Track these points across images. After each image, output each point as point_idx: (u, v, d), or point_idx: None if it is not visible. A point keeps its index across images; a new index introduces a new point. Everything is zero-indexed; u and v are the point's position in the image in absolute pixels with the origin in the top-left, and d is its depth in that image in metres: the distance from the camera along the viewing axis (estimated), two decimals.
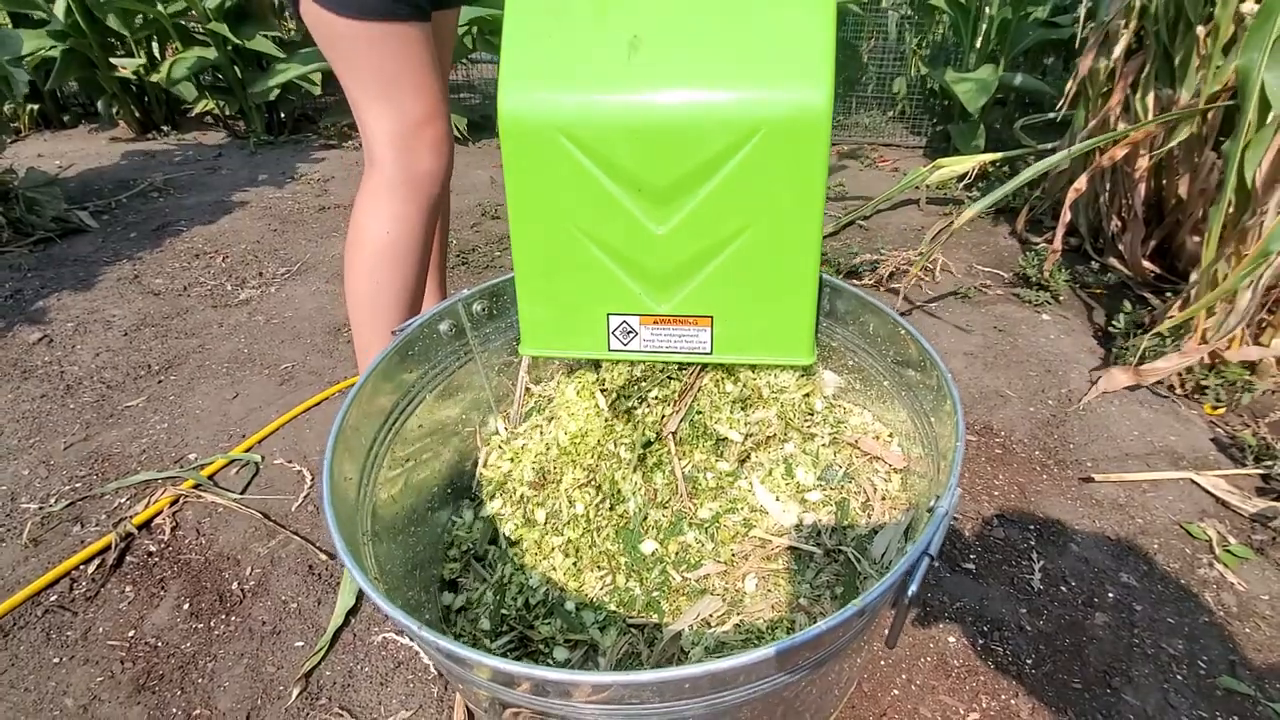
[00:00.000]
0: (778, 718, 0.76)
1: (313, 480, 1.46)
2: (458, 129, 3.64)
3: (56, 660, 1.13)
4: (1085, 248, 2.26)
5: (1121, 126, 1.96)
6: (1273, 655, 1.08)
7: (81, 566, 1.28)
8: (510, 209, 0.90)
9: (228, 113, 3.96)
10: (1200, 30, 1.72)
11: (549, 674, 0.58)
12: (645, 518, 0.98)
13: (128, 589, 1.24)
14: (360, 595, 1.20)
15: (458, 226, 2.67)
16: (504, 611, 0.94)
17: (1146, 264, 2.02)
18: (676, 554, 0.96)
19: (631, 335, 0.95)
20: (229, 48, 3.51)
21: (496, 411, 1.15)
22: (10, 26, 3.42)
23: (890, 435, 1.04)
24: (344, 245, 1.20)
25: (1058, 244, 1.98)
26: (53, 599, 1.22)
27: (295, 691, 1.06)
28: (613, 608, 0.93)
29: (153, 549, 1.32)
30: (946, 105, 3.46)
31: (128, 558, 1.30)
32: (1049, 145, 2.32)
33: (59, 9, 3.25)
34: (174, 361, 1.88)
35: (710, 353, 0.96)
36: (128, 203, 2.96)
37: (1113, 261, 2.14)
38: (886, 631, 0.70)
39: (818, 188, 0.84)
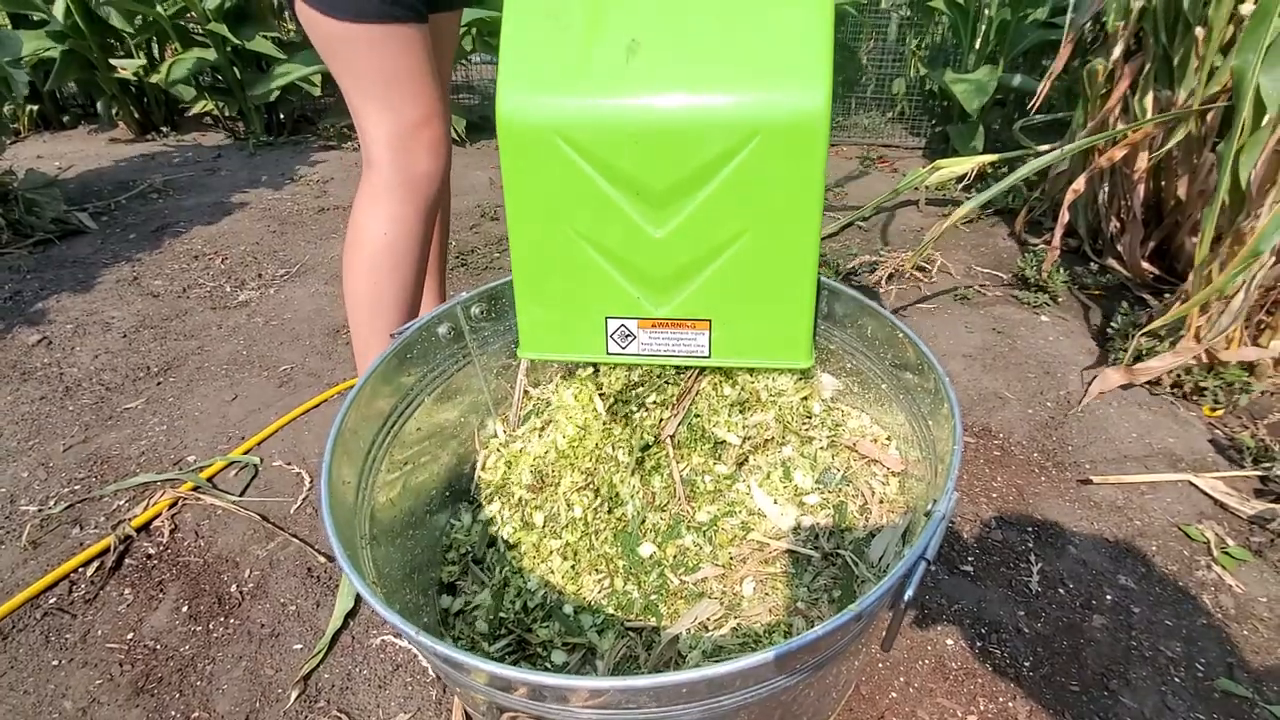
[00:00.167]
0: None
1: (312, 482, 1.46)
2: (456, 130, 3.64)
3: (55, 663, 1.13)
4: (1084, 249, 2.26)
5: (1120, 128, 1.96)
6: (1271, 658, 1.08)
7: (80, 569, 1.28)
8: (508, 212, 0.90)
9: (227, 114, 3.96)
10: (1199, 31, 1.72)
11: (545, 679, 0.58)
12: (643, 521, 0.98)
13: (126, 591, 1.24)
14: (359, 598, 1.20)
15: (457, 228, 2.67)
16: (502, 614, 0.94)
17: (1145, 265, 2.02)
18: (674, 557, 0.96)
19: (630, 339, 0.95)
20: (228, 49, 3.51)
21: (495, 414, 1.15)
22: (10, 27, 3.42)
23: (888, 438, 1.04)
24: (343, 246, 1.20)
25: (1056, 245, 1.98)
26: (52, 601, 1.22)
27: (294, 694, 1.06)
28: (611, 611, 0.93)
29: (151, 551, 1.32)
30: (946, 106, 3.46)
31: (126, 560, 1.30)
32: (1047, 146, 2.32)
33: (58, 10, 3.25)
34: (173, 363, 1.88)
35: (708, 356, 0.96)
36: (127, 204, 2.96)
37: (1112, 263, 2.14)
38: (884, 634, 0.70)
39: (816, 191, 0.84)
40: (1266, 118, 1.44)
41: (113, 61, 3.59)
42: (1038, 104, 2.13)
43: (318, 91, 3.62)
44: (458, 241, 2.56)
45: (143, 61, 3.61)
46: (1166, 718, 1.01)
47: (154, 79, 3.54)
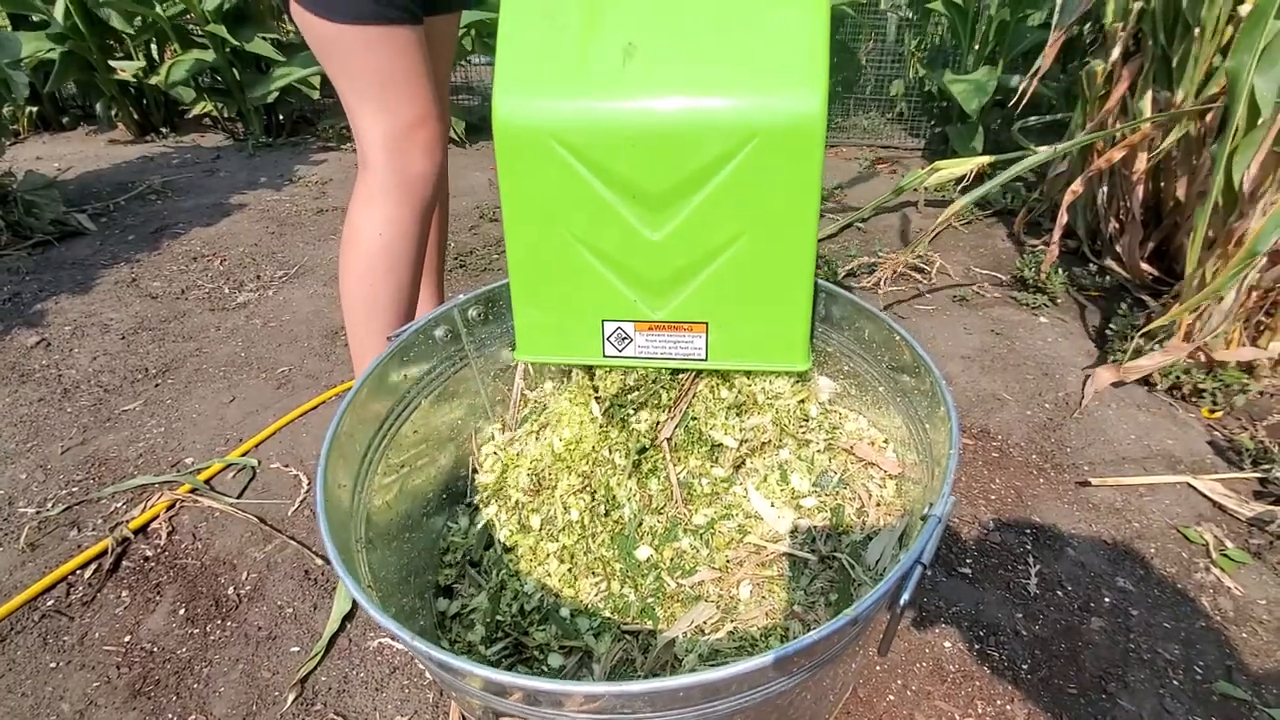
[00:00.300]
0: None
1: (309, 485, 1.46)
2: (456, 131, 3.64)
3: (53, 665, 1.13)
4: (1083, 250, 2.26)
5: (1118, 126, 1.96)
6: (1270, 660, 1.08)
7: (78, 571, 1.28)
8: (505, 215, 0.90)
9: (226, 115, 3.96)
10: (1198, 32, 1.72)
11: (540, 684, 0.58)
12: (640, 524, 0.98)
13: (124, 594, 1.24)
14: (356, 601, 1.20)
15: (455, 229, 2.67)
16: (499, 618, 0.94)
17: (1144, 266, 2.02)
18: (671, 560, 0.96)
19: (627, 341, 0.95)
20: (227, 50, 3.51)
21: (492, 417, 1.15)
22: (9, 29, 3.42)
23: (885, 441, 1.04)
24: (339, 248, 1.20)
25: (1055, 246, 1.98)
26: (49, 604, 1.22)
27: (291, 697, 1.06)
28: (607, 614, 0.93)
29: (149, 554, 1.32)
30: (945, 107, 3.46)
31: (124, 562, 1.30)
32: (1046, 147, 2.32)
33: (58, 11, 3.25)
34: (171, 365, 1.88)
35: (705, 359, 0.96)
36: (126, 205, 2.96)
37: (1110, 264, 2.14)
38: (881, 637, 0.70)
39: (812, 193, 0.84)
40: (1261, 119, 1.44)
41: (112, 63, 3.59)
42: (1023, 103, 2.13)
43: (317, 93, 3.62)
44: (456, 243, 2.56)
45: (142, 63, 3.62)
46: None
47: (153, 80, 3.54)
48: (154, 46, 3.75)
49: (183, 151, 3.69)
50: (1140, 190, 1.98)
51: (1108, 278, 2.11)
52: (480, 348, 1.09)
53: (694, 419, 1.01)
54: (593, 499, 0.99)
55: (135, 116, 3.87)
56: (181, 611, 1.21)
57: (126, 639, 1.16)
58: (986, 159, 2.00)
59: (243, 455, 1.54)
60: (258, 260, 2.48)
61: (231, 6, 3.39)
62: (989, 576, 1.23)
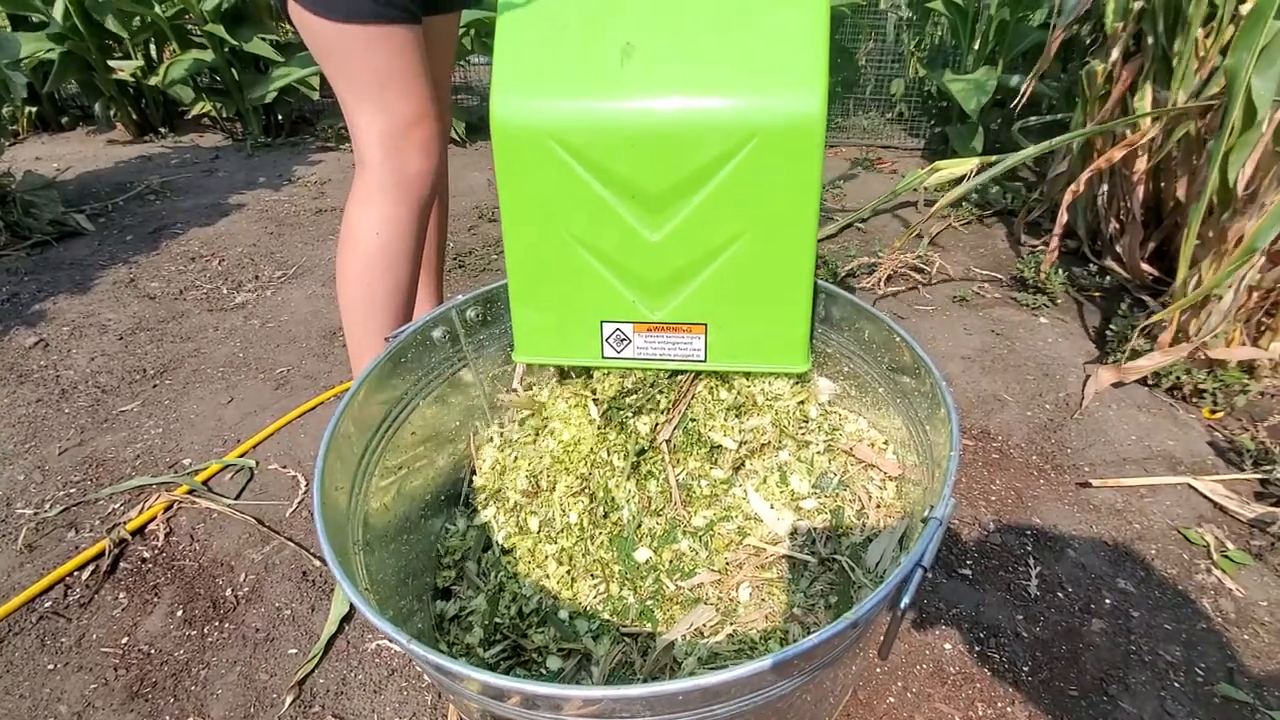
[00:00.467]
0: None
1: (307, 486, 1.46)
2: (455, 131, 3.63)
3: (51, 667, 1.12)
4: (1083, 250, 2.25)
5: (1116, 121, 1.95)
6: (1271, 662, 1.08)
7: (76, 573, 1.27)
8: (503, 216, 0.90)
9: (225, 115, 3.96)
10: (1199, 32, 1.71)
11: (538, 688, 0.57)
12: (639, 525, 0.98)
13: (121, 595, 1.24)
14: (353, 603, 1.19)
15: (454, 229, 2.67)
16: (497, 620, 0.94)
17: (1145, 266, 2.01)
18: (670, 562, 0.95)
19: (625, 343, 0.95)
20: (226, 50, 3.51)
21: (490, 419, 1.15)
22: (9, 29, 3.42)
23: (885, 442, 1.04)
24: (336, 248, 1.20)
25: (1055, 246, 1.98)
26: (47, 605, 1.22)
27: (288, 699, 1.06)
28: (606, 616, 0.92)
29: (146, 555, 1.31)
30: (945, 107, 3.46)
31: (122, 564, 1.30)
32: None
33: (57, 11, 3.25)
34: (169, 366, 1.88)
35: (704, 360, 0.95)
36: (124, 205, 2.95)
37: (1111, 264, 2.13)
38: (881, 639, 0.70)
39: (812, 193, 0.83)
40: (1257, 118, 1.44)
41: (111, 63, 3.58)
42: (1022, 103, 2.13)
43: (316, 94, 3.62)
44: (455, 243, 2.55)
45: (141, 63, 3.61)
46: None
47: (152, 80, 3.54)
48: (153, 47, 3.75)
49: (181, 152, 3.68)
50: (1141, 190, 1.97)
51: (1108, 278, 2.10)
52: (479, 349, 1.09)
53: (693, 420, 1.00)
54: (591, 501, 0.98)
55: (134, 117, 3.86)
56: (179, 613, 1.20)
57: (124, 641, 1.16)
58: (986, 159, 2.00)
59: (240, 456, 1.53)
60: (256, 260, 2.47)
61: (230, 6, 3.39)
62: (989, 578, 1.23)
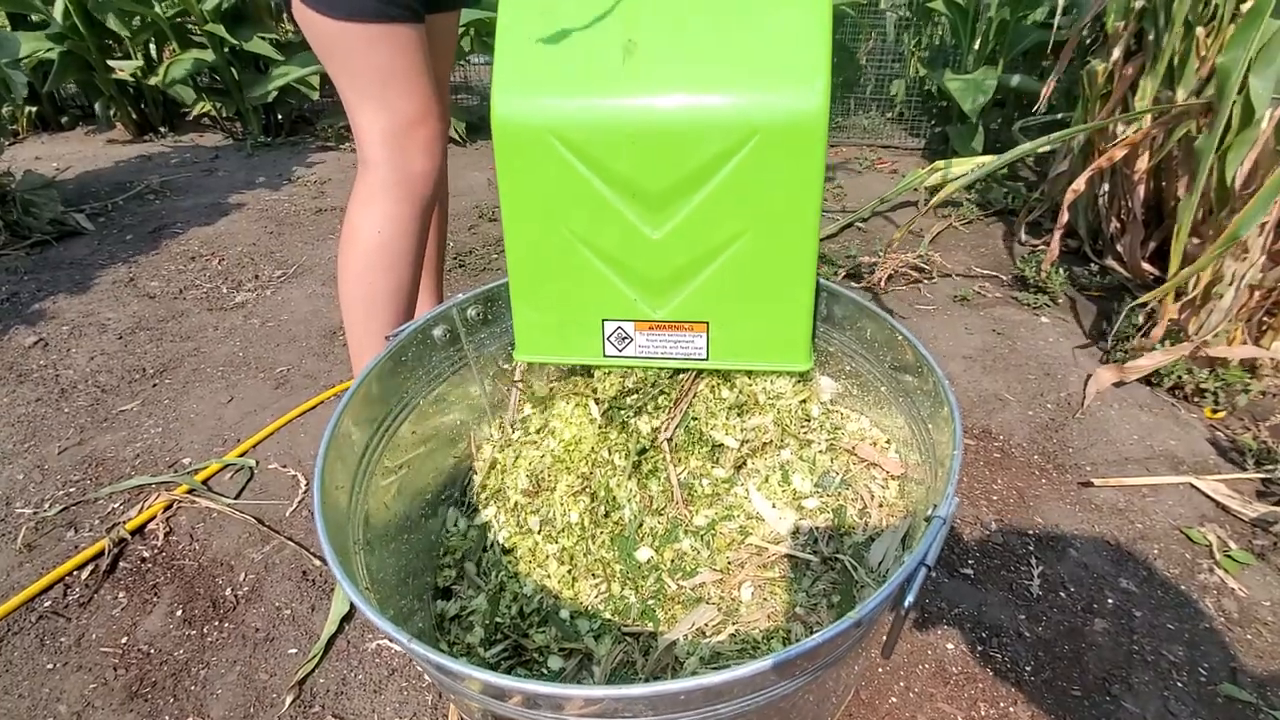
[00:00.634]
0: None
1: (307, 485, 1.46)
2: (456, 131, 3.63)
3: (50, 666, 1.12)
4: (1084, 250, 2.25)
5: (1120, 128, 1.95)
6: (1274, 662, 1.07)
7: (75, 572, 1.27)
8: (504, 214, 0.90)
9: (225, 115, 3.95)
10: (1200, 30, 1.71)
11: (539, 688, 0.57)
12: (640, 525, 0.97)
13: (121, 595, 1.23)
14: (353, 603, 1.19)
15: (454, 228, 2.66)
16: (498, 619, 0.93)
17: (1145, 266, 2.01)
18: (672, 561, 0.95)
19: (627, 341, 0.95)
20: (226, 50, 3.50)
21: (491, 418, 1.15)
22: (9, 28, 3.42)
23: (888, 441, 1.03)
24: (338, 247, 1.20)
25: (1056, 245, 1.98)
26: (47, 605, 1.22)
27: (288, 699, 1.05)
28: (608, 616, 0.92)
29: (146, 554, 1.31)
30: (945, 107, 3.46)
31: (121, 563, 1.29)
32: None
33: (57, 11, 3.25)
34: (169, 365, 1.87)
35: (706, 359, 0.95)
36: (124, 205, 2.95)
37: (1111, 263, 2.13)
38: (884, 639, 0.70)
39: (814, 192, 0.83)
40: (1256, 117, 1.43)
41: (111, 63, 3.58)
42: (1039, 108, 2.12)
43: (316, 93, 3.62)
44: (455, 242, 2.55)
45: (141, 63, 3.61)
46: None
47: (152, 80, 3.54)
48: (153, 46, 3.74)
49: (181, 151, 3.68)
50: (1141, 190, 1.97)
51: (1109, 277, 2.10)
52: (479, 348, 1.09)
53: (694, 419, 1.00)
54: (592, 500, 0.98)
55: (134, 116, 3.86)
56: (179, 613, 1.20)
57: (124, 640, 1.16)
58: (986, 159, 2.00)
59: (240, 455, 1.53)
60: (256, 260, 2.47)
61: (230, 6, 3.38)
62: (991, 578, 1.22)
